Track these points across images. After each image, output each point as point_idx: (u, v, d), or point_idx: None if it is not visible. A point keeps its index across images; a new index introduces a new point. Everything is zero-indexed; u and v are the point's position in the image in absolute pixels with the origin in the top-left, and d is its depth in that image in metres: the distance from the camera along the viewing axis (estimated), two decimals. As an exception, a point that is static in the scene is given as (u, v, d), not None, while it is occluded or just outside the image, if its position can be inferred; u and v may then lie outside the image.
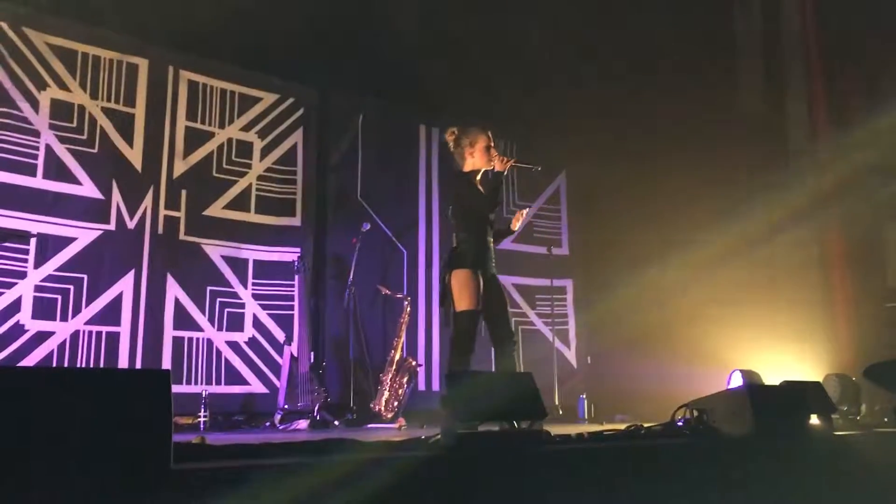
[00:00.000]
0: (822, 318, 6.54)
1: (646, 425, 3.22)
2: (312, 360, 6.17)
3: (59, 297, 5.67)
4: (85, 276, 5.79)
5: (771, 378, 5.64)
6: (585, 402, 7.06)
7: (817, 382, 4.05)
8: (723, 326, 6.59)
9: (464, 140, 4.58)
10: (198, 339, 6.22)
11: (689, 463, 2.80)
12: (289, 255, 6.66)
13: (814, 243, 6.82)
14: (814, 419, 3.61)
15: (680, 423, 3.26)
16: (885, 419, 4.64)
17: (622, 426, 3.28)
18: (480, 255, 4.39)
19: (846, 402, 4.86)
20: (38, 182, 5.70)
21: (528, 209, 4.96)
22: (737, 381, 5.65)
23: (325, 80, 7.12)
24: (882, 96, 6.72)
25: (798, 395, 3.49)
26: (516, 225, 4.77)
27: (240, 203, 6.61)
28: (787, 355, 6.31)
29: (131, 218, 6.05)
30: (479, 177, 4.57)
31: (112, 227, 5.96)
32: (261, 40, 6.55)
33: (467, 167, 4.59)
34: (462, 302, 4.25)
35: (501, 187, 4.49)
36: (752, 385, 4.75)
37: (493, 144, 4.58)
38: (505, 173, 4.47)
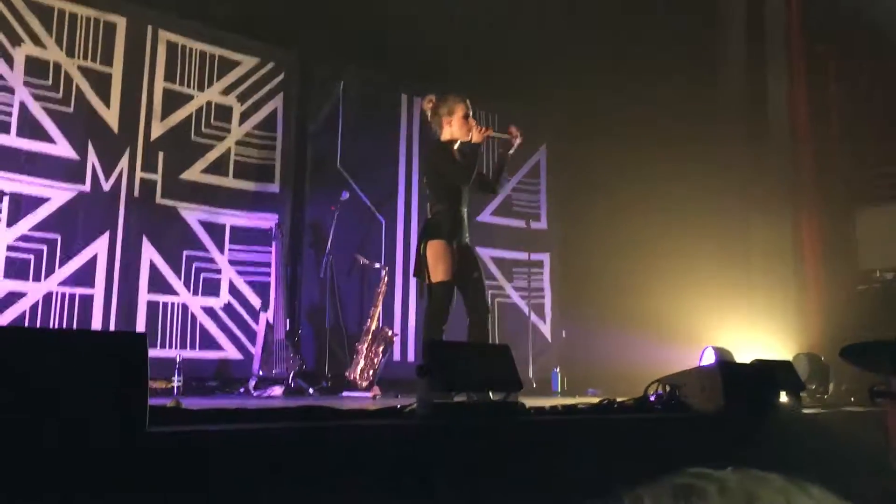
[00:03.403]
0: (794, 299, 6.63)
1: (619, 399, 3.25)
2: (288, 328, 6.16)
3: (32, 258, 5.60)
4: (59, 237, 5.71)
5: (742, 356, 5.71)
6: (559, 375, 7.12)
7: (787, 361, 4.11)
8: (697, 304, 6.65)
9: (442, 108, 4.54)
10: (173, 304, 6.18)
11: (661, 437, 2.84)
12: (266, 221, 6.62)
13: (788, 224, 6.89)
14: (783, 397, 3.67)
15: (652, 398, 3.30)
16: (852, 398, 4.73)
17: (595, 400, 3.31)
18: (455, 226, 4.37)
19: (815, 381, 4.94)
20: (12, 140, 5.60)
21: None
22: (709, 358, 5.71)
23: (306, 45, 7.03)
24: (862, 80, 6.77)
25: (768, 373, 3.54)
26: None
27: (218, 167, 6.54)
28: (758, 334, 6.40)
29: (107, 179, 5.96)
30: (456, 146, 4.53)
31: (87, 188, 5.88)
32: (242, 2, 6.45)
33: (444, 136, 4.55)
34: (437, 273, 4.23)
35: (478, 158, 4.46)
36: (724, 362, 4.81)
37: (471, 113, 4.54)
38: (482, 144, 4.45)
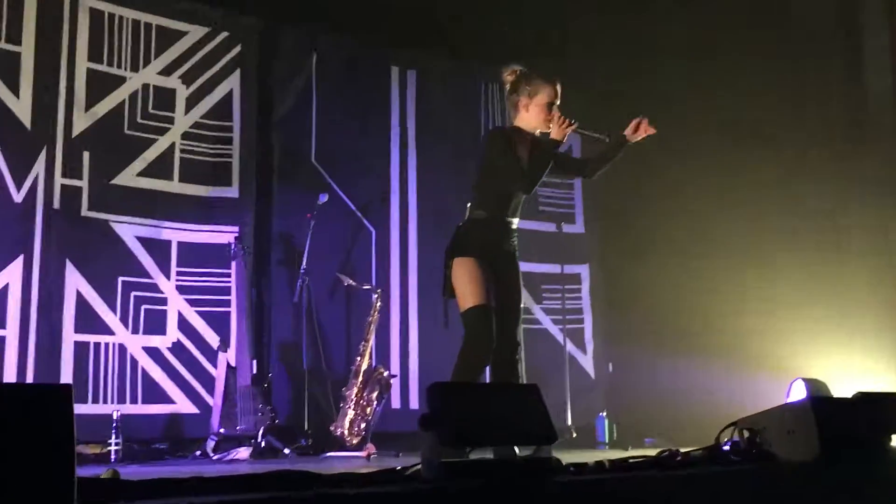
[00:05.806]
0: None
1: (683, 450, 3.25)
2: (255, 371, 6.17)
3: (-74, 292, 5.64)
4: (-41, 265, 5.76)
5: (841, 389, 5.70)
6: (606, 421, 7.11)
7: (900, 394, 4.09)
8: (779, 326, 6.65)
9: (522, 86, 4.47)
10: (106, 345, 6.20)
11: (738, 496, 2.83)
12: (223, 234, 6.64)
13: (891, 227, 6.89)
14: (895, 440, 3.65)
15: (726, 447, 3.29)
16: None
17: (653, 452, 3.31)
18: (494, 239, 4.37)
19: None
20: None
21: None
22: (798, 394, 5.71)
23: (268, 8, 7.07)
24: None
25: (875, 409, 3.53)
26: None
27: (159, 169, 6.57)
28: (860, 360, 6.38)
29: (18, 189, 6.00)
30: (527, 140, 4.49)
31: (-7, 200, 5.93)
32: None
33: (517, 122, 4.52)
34: (467, 297, 4.21)
35: (550, 159, 4.38)
36: (818, 398, 4.79)
37: (557, 102, 4.44)
38: (563, 142, 4.38)
